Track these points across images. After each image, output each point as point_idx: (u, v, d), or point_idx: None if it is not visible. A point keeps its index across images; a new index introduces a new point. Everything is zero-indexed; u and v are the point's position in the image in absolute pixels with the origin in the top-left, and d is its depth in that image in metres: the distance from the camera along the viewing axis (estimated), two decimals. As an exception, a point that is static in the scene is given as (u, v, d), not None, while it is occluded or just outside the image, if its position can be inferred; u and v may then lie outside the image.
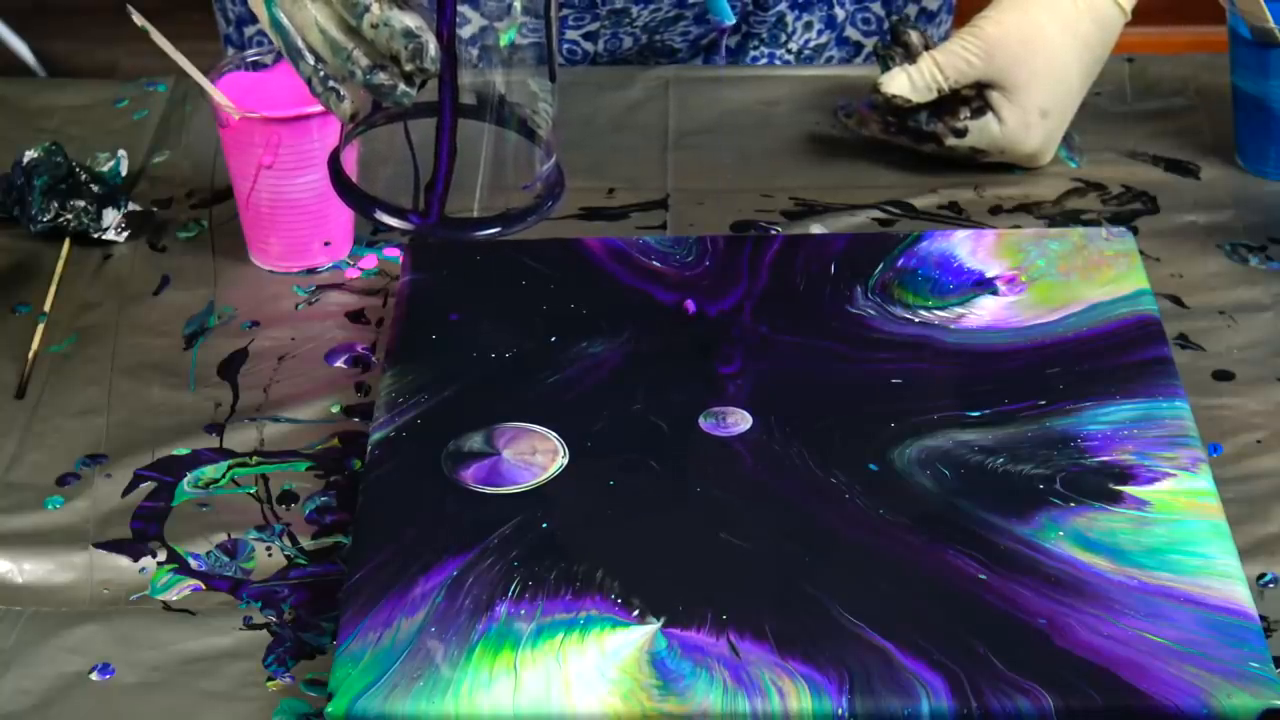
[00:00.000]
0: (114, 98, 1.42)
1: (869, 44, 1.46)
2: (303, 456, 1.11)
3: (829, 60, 1.46)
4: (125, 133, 1.38)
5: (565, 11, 1.39)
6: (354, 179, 1.06)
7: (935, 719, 0.92)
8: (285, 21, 1.00)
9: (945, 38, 1.29)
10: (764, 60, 1.46)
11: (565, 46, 1.42)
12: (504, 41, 1.00)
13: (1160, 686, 0.92)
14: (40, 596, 1.03)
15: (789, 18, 1.44)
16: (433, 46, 0.96)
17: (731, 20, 1.06)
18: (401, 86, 0.97)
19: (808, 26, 1.44)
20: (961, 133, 1.29)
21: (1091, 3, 1.28)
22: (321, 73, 1.00)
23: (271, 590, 1.03)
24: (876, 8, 1.45)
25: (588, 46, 1.42)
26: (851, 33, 1.45)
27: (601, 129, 1.37)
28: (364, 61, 0.98)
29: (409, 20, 0.96)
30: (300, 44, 0.99)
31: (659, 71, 1.42)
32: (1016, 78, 1.28)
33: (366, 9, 0.96)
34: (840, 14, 1.44)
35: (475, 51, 1.01)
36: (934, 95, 1.29)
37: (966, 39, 1.28)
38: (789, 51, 1.45)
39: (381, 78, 0.97)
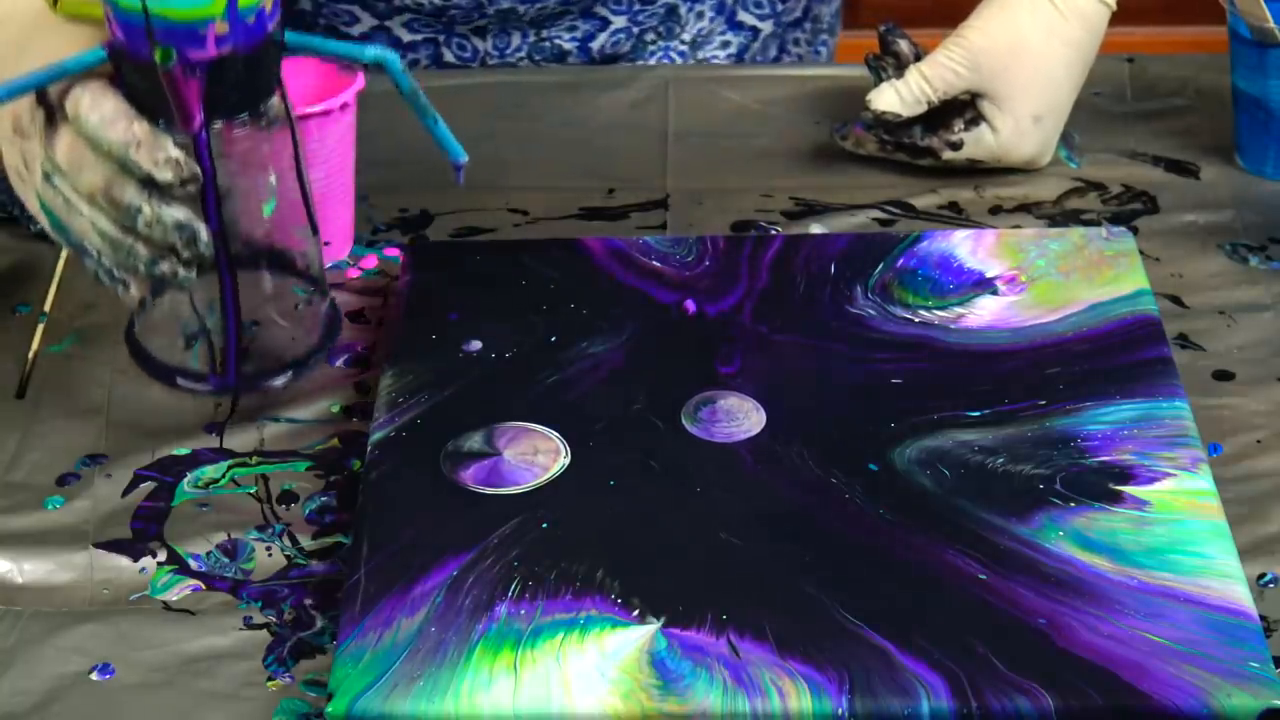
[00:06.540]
0: (114, 98, 1.42)
1: (764, 27, 1.46)
2: (303, 456, 1.11)
3: (725, 45, 1.46)
4: (125, 133, 1.37)
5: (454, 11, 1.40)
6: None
7: (935, 719, 0.92)
8: (66, 224, 1.05)
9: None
10: (660, 54, 1.46)
11: (455, 44, 1.43)
12: (266, 213, 1.08)
13: (1160, 686, 0.92)
14: (40, 596, 1.03)
15: (681, 9, 1.44)
16: (204, 232, 1.03)
17: (464, 158, 1.09)
18: (182, 272, 1.04)
19: (699, 16, 1.45)
20: (957, 145, 1.29)
21: (1074, 3, 1.28)
22: (107, 265, 1.05)
23: (271, 590, 1.03)
24: None
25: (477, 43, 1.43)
26: (745, 17, 1.46)
27: (601, 129, 1.37)
28: (145, 255, 1.04)
29: (178, 214, 1.03)
30: (83, 242, 1.05)
31: (659, 71, 1.42)
32: (1005, 86, 1.27)
33: (139, 210, 1.02)
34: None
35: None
36: (923, 108, 1.29)
37: (952, 50, 1.28)
38: (683, 43, 1.45)
39: (164, 267, 1.04)
